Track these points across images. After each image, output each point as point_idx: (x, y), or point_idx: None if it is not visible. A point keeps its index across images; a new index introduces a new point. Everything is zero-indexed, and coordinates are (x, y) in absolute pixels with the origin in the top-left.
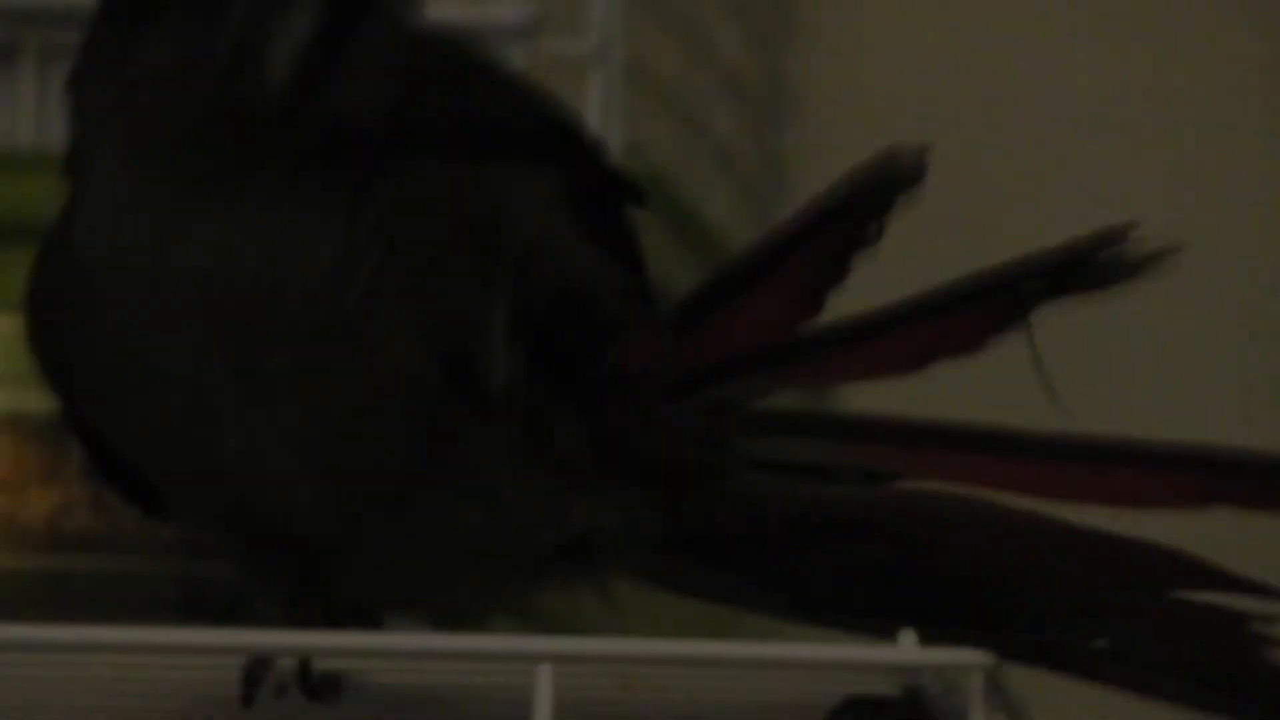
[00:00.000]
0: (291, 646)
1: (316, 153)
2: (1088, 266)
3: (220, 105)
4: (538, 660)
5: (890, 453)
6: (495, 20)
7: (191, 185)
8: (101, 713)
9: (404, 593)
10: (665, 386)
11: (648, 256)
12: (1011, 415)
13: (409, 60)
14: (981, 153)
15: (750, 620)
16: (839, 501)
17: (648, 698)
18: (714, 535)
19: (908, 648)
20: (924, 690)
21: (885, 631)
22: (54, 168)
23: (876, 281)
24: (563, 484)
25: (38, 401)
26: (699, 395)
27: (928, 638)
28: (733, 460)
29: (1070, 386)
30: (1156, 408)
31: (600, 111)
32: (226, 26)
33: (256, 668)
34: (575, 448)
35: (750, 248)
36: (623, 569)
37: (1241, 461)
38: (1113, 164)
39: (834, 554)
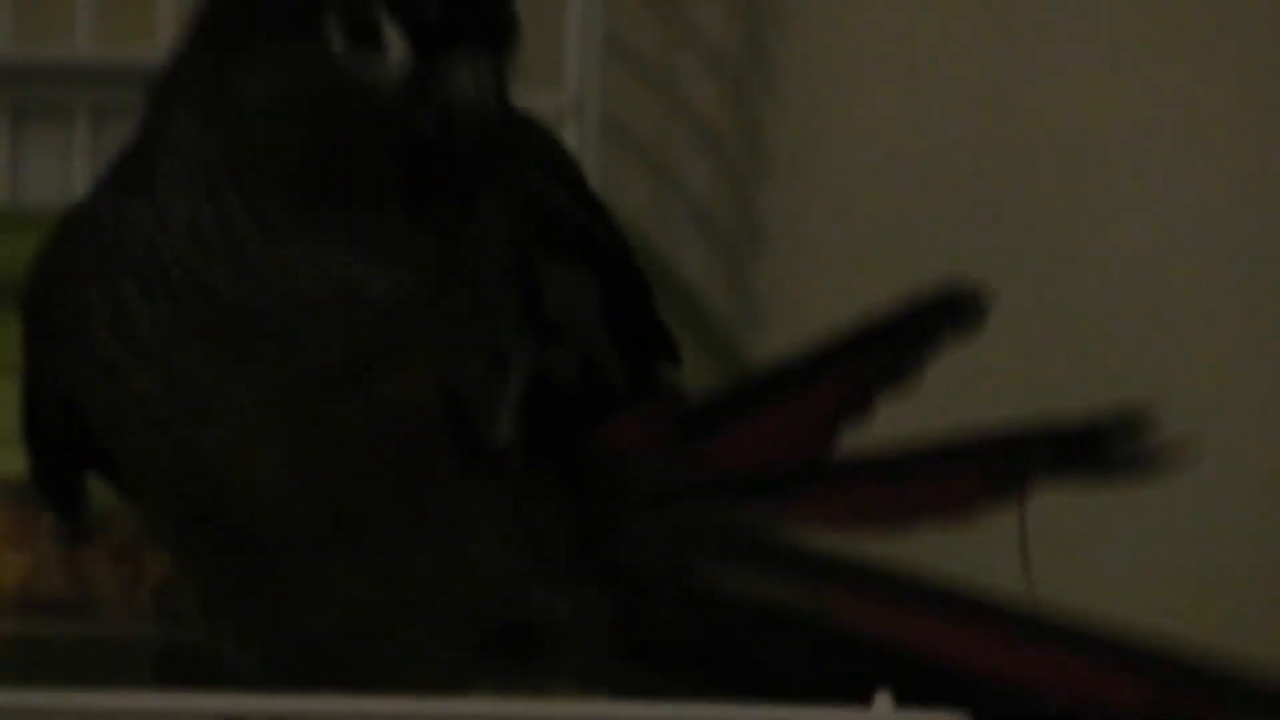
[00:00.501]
0: (265, 709)
1: (391, 193)
2: (1099, 451)
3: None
4: None
5: (844, 597)
6: None
7: (248, 214)
8: None
9: (355, 627)
10: (648, 490)
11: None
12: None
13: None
14: (962, 209)
15: None
16: (790, 599)
17: None
18: (666, 641)
19: (883, 710)
20: None
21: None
22: (26, 227)
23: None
24: (529, 560)
25: (7, 464)
26: (679, 506)
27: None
28: (695, 576)
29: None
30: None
31: None
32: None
33: None
34: (549, 527)
35: (776, 365)
36: (568, 666)
37: (1199, 670)
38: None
39: (789, 646)
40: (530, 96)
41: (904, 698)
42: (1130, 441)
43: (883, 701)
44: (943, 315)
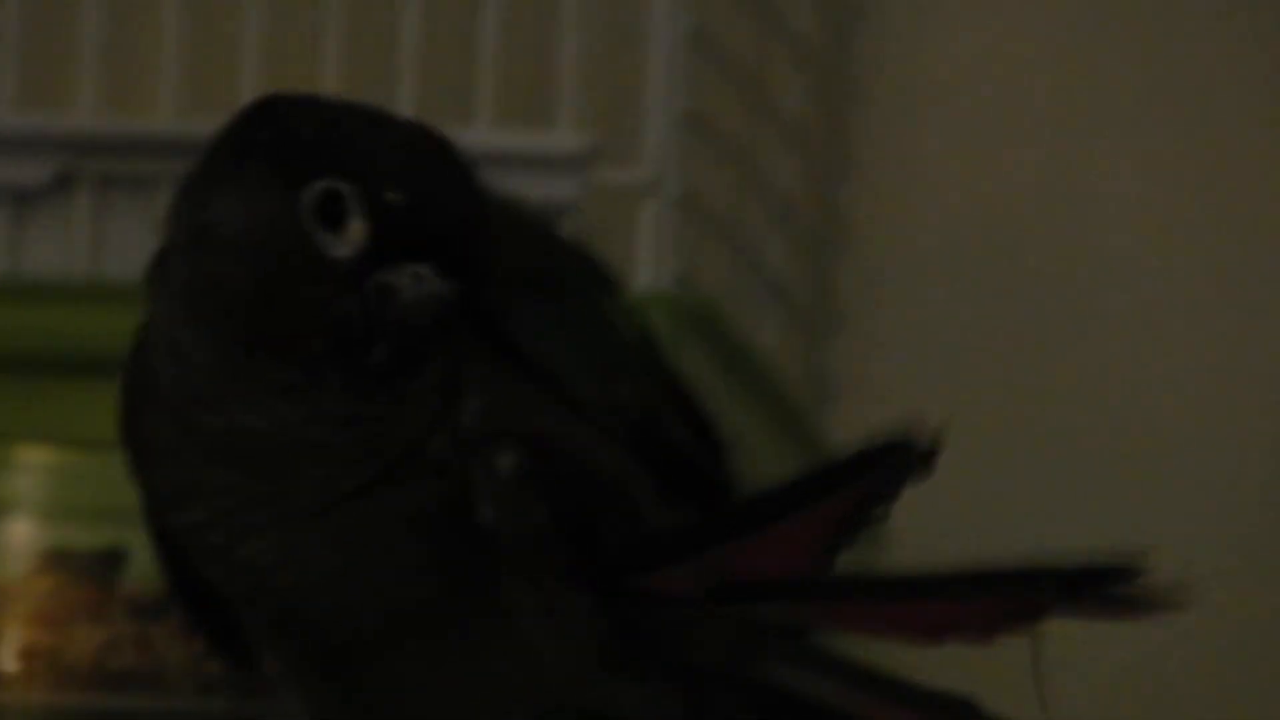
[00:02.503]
0: None
1: (324, 362)
2: (1103, 592)
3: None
4: None
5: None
6: (551, 148)
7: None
8: None
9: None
10: (693, 598)
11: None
12: None
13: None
14: (1036, 288)
15: None
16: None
17: None
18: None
19: None
20: None
21: None
22: (109, 298)
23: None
24: (586, 659)
25: (82, 537)
26: (723, 610)
27: None
28: (754, 671)
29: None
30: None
31: (653, 241)
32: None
33: None
34: (596, 628)
35: (786, 482)
36: None
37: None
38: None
39: None
40: (609, 174)
41: None
42: (1130, 582)
43: None
44: (902, 460)
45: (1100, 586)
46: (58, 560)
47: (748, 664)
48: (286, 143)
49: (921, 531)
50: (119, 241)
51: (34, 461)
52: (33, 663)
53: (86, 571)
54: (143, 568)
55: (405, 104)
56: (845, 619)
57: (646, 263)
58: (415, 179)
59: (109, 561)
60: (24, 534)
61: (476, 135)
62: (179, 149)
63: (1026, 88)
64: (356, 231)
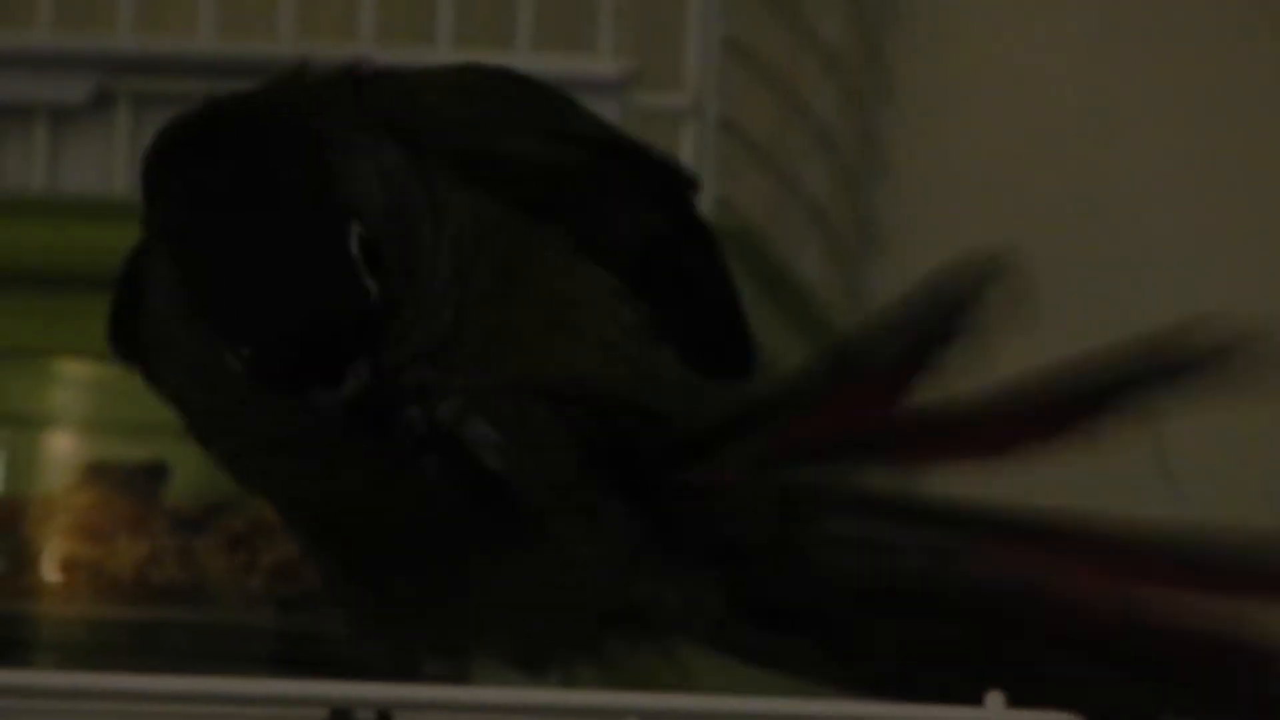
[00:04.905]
0: (372, 699)
1: None
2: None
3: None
4: (623, 716)
5: (959, 540)
6: (590, 73)
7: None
8: None
9: (485, 635)
10: (744, 466)
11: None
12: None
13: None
14: (1074, 217)
15: None
16: (909, 579)
17: None
18: (781, 607)
19: (995, 709)
20: None
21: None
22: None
23: None
24: (625, 562)
25: (126, 451)
26: (776, 475)
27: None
28: (804, 538)
29: None
30: None
31: (693, 166)
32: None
33: None
34: (634, 533)
35: (835, 347)
36: (686, 637)
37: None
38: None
39: (903, 630)
40: (649, 98)
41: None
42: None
43: (994, 701)
44: (973, 284)
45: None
46: (99, 474)
47: (793, 541)
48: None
49: None
50: None
51: (75, 376)
52: (74, 575)
53: (128, 485)
54: (185, 481)
55: (444, 31)
56: (912, 457)
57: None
58: (255, 329)
59: (151, 475)
60: (66, 447)
61: (517, 60)
62: (216, 68)
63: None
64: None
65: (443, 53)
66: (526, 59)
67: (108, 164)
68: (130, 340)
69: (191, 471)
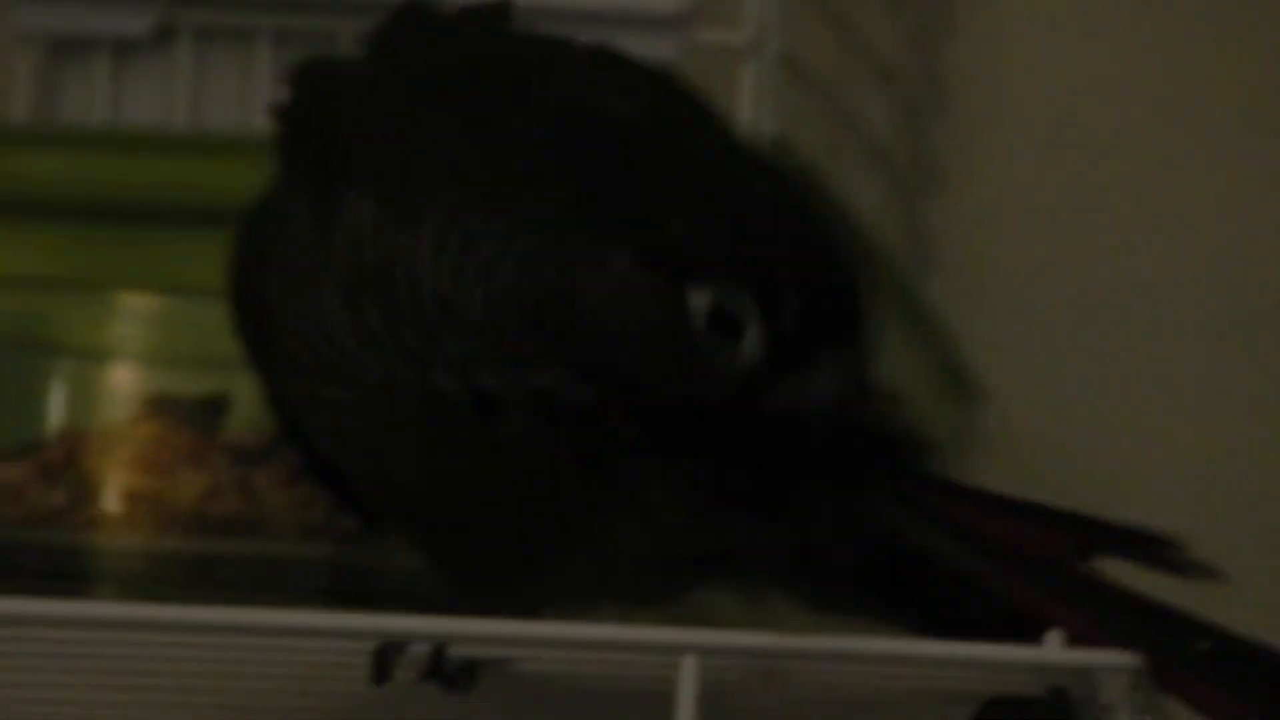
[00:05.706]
0: (427, 633)
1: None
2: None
3: None
4: (682, 652)
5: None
6: (652, 7)
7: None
8: (240, 694)
9: (562, 584)
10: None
11: None
12: None
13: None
14: (1130, 152)
15: None
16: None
17: (789, 689)
18: (850, 558)
19: (1054, 649)
20: (1068, 691)
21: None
22: (208, 150)
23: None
24: (702, 508)
25: (187, 384)
26: (850, 426)
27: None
28: (873, 493)
29: None
30: None
31: (753, 103)
32: None
33: (387, 653)
34: (708, 482)
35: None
36: (758, 582)
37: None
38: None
39: (963, 590)
40: (709, 34)
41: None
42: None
43: (1053, 639)
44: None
45: (1144, 552)
46: (160, 406)
47: (863, 502)
48: (663, 238)
49: (1011, 388)
50: (218, 93)
51: (136, 308)
52: (135, 507)
53: (189, 418)
54: (245, 415)
55: None
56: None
57: (746, 123)
58: (811, 281)
59: (211, 408)
60: (127, 380)
61: None
62: (276, 2)
63: None
64: (752, 342)
65: None
66: None
67: (169, 97)
68: (251, 290)
69: (252, 405)
